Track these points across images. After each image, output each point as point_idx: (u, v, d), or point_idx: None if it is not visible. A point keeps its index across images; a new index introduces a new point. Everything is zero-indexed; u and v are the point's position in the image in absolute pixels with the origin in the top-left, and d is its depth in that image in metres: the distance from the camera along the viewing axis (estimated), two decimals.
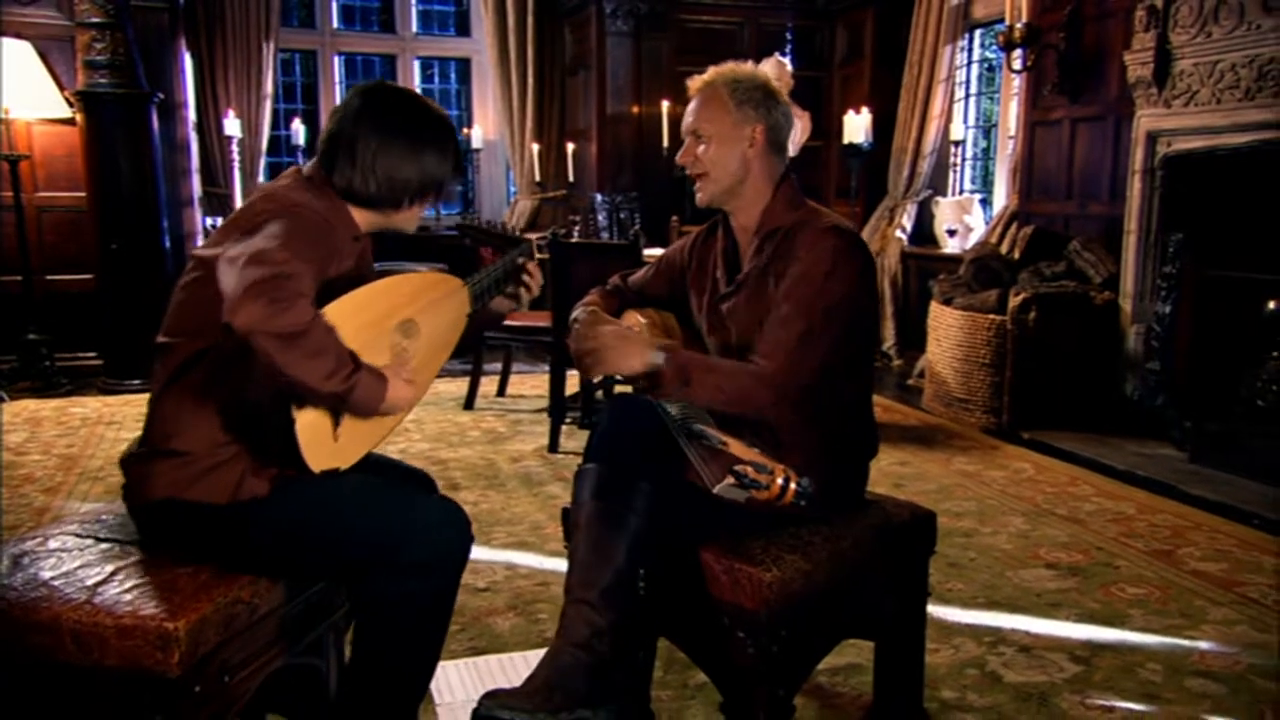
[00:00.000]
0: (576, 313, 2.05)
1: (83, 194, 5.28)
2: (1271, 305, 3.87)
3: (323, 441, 1.59)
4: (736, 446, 1.63)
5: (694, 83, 1.98)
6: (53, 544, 1.70)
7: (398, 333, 1.68)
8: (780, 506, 1.58)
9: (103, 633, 1.47)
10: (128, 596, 1.53)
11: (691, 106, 1.97)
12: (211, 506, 1.61)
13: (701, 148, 1.93)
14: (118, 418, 4.68)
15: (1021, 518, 3.41)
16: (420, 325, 1.72)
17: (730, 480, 1.57)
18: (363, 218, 1.77)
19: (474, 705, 2.04)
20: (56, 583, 1.56)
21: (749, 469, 1.57)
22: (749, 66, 1.99)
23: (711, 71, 1.97)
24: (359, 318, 1.59)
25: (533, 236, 6.74)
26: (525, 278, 1.98)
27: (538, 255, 2.05)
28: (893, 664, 2.04)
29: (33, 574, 1.59)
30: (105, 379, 5.30)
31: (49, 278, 5.42)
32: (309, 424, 1.55)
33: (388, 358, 1.65)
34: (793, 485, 1.56)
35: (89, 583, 1.56)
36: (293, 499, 1.64)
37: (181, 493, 1.61)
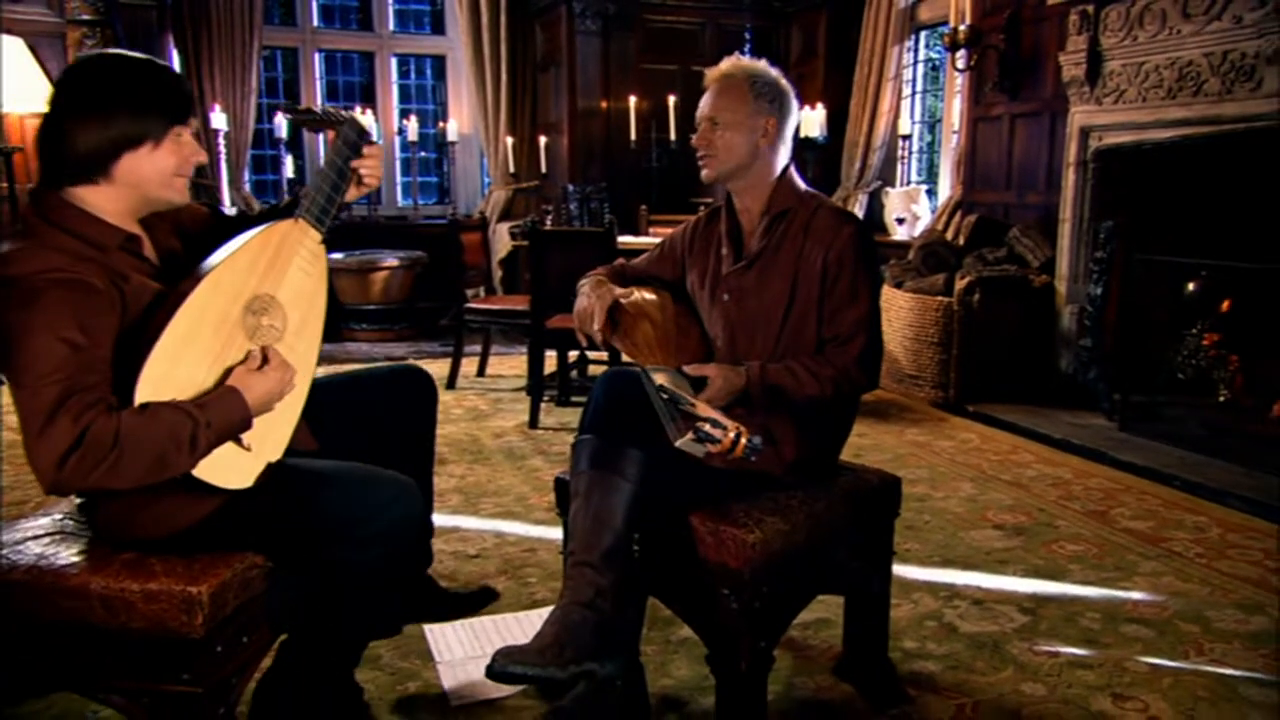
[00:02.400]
0: (584, 284, 2.08)
1: None
2: (1191, 286, 3.95)
3: (235, 460, 1.51)
4: (701, 408, 1.68)
5: (713, 72, 1.99)
6: (80, 517, 1.68)
7: (250, 315, 1.53)
8: (732, 459, 1.64)
9: (130, 597, 1.47)
10: (151, 565, 1.52)
11: (709, 95, 1.97)
12: (158, 539, 1.54)
13: (717, 133, 1.94)
14: None
15: (970, 483, 3.47)
16: (272, 293, 1.56)
17: (690, 436, 1.63)
18: (112, 206, 1.50)
19: (471, 661, 2.08)
20: (84, 551, 1.56)
21: (706, 425, 1.63)
22: (764, 64, 2.00)
23: (730, 63, 1.98)
24: (199, 337, 1.46)
25: (507, 224, 6.75)
26: (364, 172, 1.70)
27: (370, 137, 1.73)
28: (861, 617, 2.07)
29: (61, 544, 1.58)
30: None
31: None
32: (208, 461, 1.46)
33: (249, 345, 1.53)
34: (743, 440, 1.62)
35: (115, 552, 1.55)
36: (242, 508, 1.54)
37: (132, 533, 1.55)
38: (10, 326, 1.36)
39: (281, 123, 6.68)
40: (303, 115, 1.95)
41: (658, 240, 2.33)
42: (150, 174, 1.51)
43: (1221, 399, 3.86)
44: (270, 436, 1.57)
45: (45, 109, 1.51)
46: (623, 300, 2.01)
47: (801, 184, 2.02)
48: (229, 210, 1.65)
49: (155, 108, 1.51)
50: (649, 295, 2.06)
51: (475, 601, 2.13)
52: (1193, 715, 1.94)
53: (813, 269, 1.90)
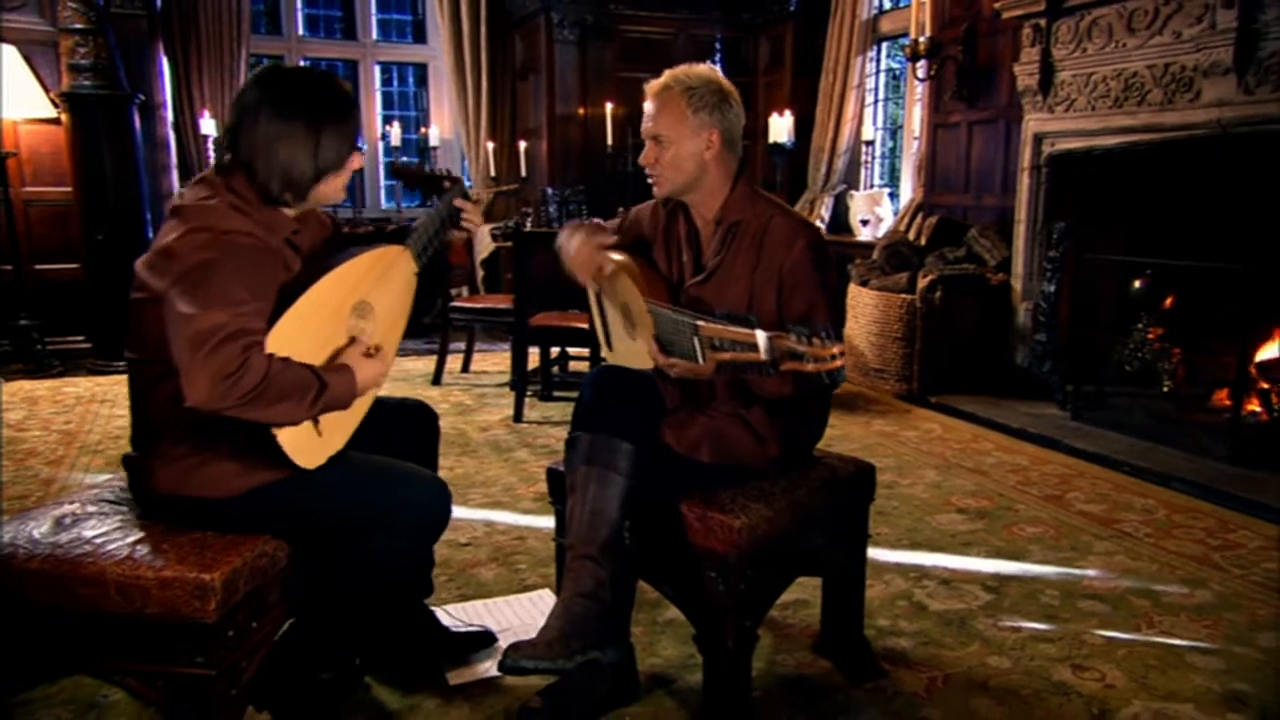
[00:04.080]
0: (568, 239, 1.99)
1: (68, 189, 5.08)
2: (1137, 284, 4.00)
3: (309, 441, 1.57)
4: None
5: (651, 87, 1.89)
6: (90, 508, 1.69)
7: (353, 316, 1.65)
8: (822, 367, 1.45)
9: (144, 584, 1.47)
10: (165, 553, 1.52)
11: (650, 110, 1.89)
12: (214, 500, 1.57)
13: (662, 150, 1.87)
14: (110, 396, 4.53)
15: (934, 470, 3.51)
16: (373, 303, 1.68)
17: (782, 338, 1.47)
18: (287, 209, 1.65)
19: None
20: (99, 541, 1.55)
21: (791, 338, 1.46)
22: (703, 69, 1.89)
23: (667, 76, 1.88)
24: (315, 318, 1.57)
25: (488, 226, 6.72)
26: (464, 219, 1.92)
27: (473, 198, 1.94)
28: (837, 597, 2.10)
29: (76, 534, 1.57)
30: (95, 360, 5.12)
31: (38, 267, 5.22)
32: (291, 432, 1.53)
33: (347, 340, 1.62)
34: (839, 361, 1.45)
35: (128, 541, 1.56)
36: (296, 488, 1.59)
37: (181, 489, 1.57)
38: (208, 262, 1.46)
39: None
40: (413, 174, 2.05)
41: None
42: (331, 192, 1.67)
43: (1165, 389, 3.92)
44: (338, 429, 1.63)
45: (251, 105, 1.58)
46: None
47: (754, 191, 1.94)
48: None
49: (355, 137, 1.66)
50: (624, 258, 1.98)
51: (474, 643, 2.08)
52: (1145, 682, 2.00)
53: (768, 284, 1.85)
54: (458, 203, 1.91)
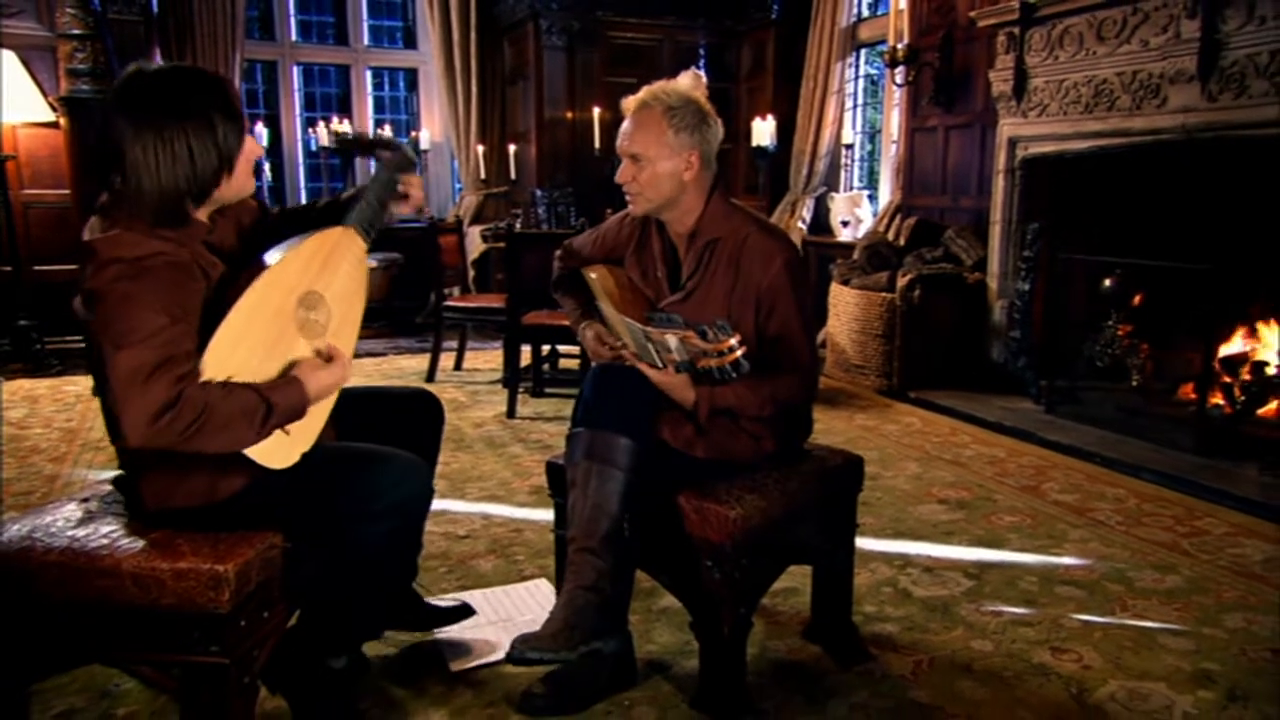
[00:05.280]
0: (587, 339, 2.00)
1: (66, 191, 5.05)
2: (1107, 282, 4.03)
3: (276, 444, 1.53)
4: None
5: (629, 103, 1.84)
6: (105, 502, 1.68)
7: (301, 309, 1.57)
8: (720, 361, 1.56)
9: (160, 576, 1.48)
10: (179, 546, 1.52)
11: (628, 128, 1.84)
12: (201, 508, 1.56)
13: (640, 168, 1.83)
14: None
15: (915, 463, 3.54)
16: (321, 291, 1.60)
17: (692, 333, 1.58)
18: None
19: (468, 630, 2.08)
20: (114, 535, 1.56)
21: (710, 330, 1.57)
22: (682, 86, 1.86)
23: (646, 93, 1.83)
24: (256, 322, 1.50)
25: (479, 227, 6.71)
26: (410, 192, 1.76)
27: (418, 163, 1.81)
28: (826, 584, 2.12)
29: (92, 528, 1.58)
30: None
31: (36, 268, 5.17)
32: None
33: (299, 337, 1.57)
34: (739, 352, 1.55)
35: (143, 534, 1.56)
36: (274, 484, 1.56)
37: (168, 503, 1.57)
38: (119, 296, 1.39)
39: (261, 131, 6.60)
40: (353, 142, 1.94)
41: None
42: (235, 187, 1.55)
43: (1134, 384, 3.96)
44: (308, 426, 1.60)
45: (116, 114, 1.46)
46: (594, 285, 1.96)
47: (730, 205, 1.91)
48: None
49: (237, 129, 1.50)
50: (598, 272, 1.98)
51: (453, 616, 2.09)
52: (1120, 663, 2.03)
53: (746, 303, 1.83)
54: (397, 177, 1.73)
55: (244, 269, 1.53)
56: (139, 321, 1.38)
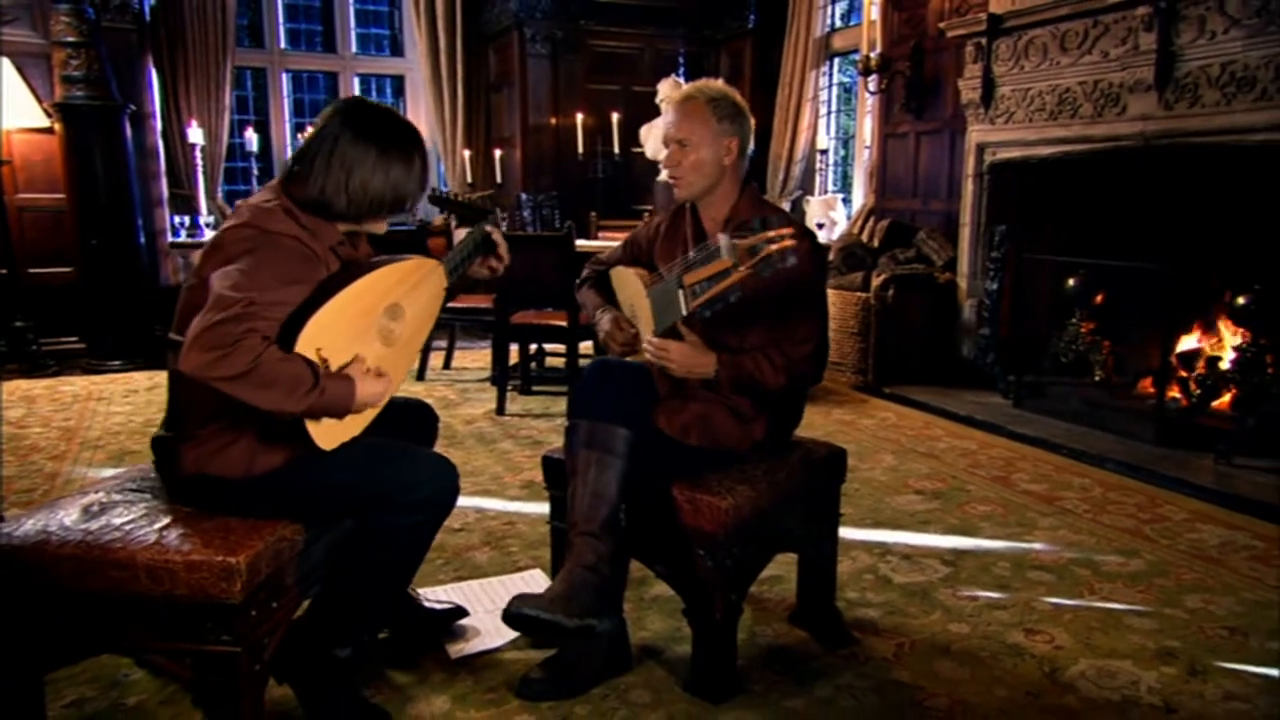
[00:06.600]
0: (603, 324, 2.06)
1: (61, 195, 4.98)
2: (1071, 282, 4.09)
3: (331, 424, 1.57)
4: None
5: (673, 97, 1.97)
6: (116, 496, 1.68)
7: (385, 316, 1.66)
8: (773, 250, 1.60)
9: (173, 567, 1.48)
10: (191, 537, 1.53)
11: (674, 118, 1.94)
12: (232, 479, 1.58)
13: (685, 154, 1.92)
14: (105, 394, 4.44)
15: (891, 455, 3.57)
16: (405, 307, 1.70)
17: (740, 238, 1.63)
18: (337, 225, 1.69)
19: (465, 619, 2.09)
20: (127, 527, 1.56)
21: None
22: (719, 84, 1.98)
23: (692, 87, 1.95)
24: (350, 311, 1.58)
25: (465, 231, 6.69)
26: (498, 254, 1.96)
27: (501, 225, 2.00)
28: (811, 572, 2.14)
29: (105, 520, 1.57)
30: (89, 360, 5.02)
31: (32, 271, 5.10)
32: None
33: (376, 340, 1.64)
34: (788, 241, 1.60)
35: (155, 526, 1.56)
36: (312, 467, 1.59)
37: (204, 468, 1.59)
38: (247, 252, 1.51)
39: (252, 137, 6.54)
40: (447, 203, 2.09)
41: (608, 243, 2.35)
42: (378, 224, 1.73)
43: (1097, 378, 4.02)
44: (358, 417, 1.63)
45: (327, 129, 1.64)
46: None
47: (760, 198, 2.02)
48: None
49: (422, 179, 1.72)
50: (626, 265, 2.09)
51: (448, 618, 2.11)
52: (1089, 643, 2.08)
53: (771, 283, 1.87)
54: (489, 229, 1.93)
55: (354, 271, 1.63)
56: (249, 274, 1.47)
